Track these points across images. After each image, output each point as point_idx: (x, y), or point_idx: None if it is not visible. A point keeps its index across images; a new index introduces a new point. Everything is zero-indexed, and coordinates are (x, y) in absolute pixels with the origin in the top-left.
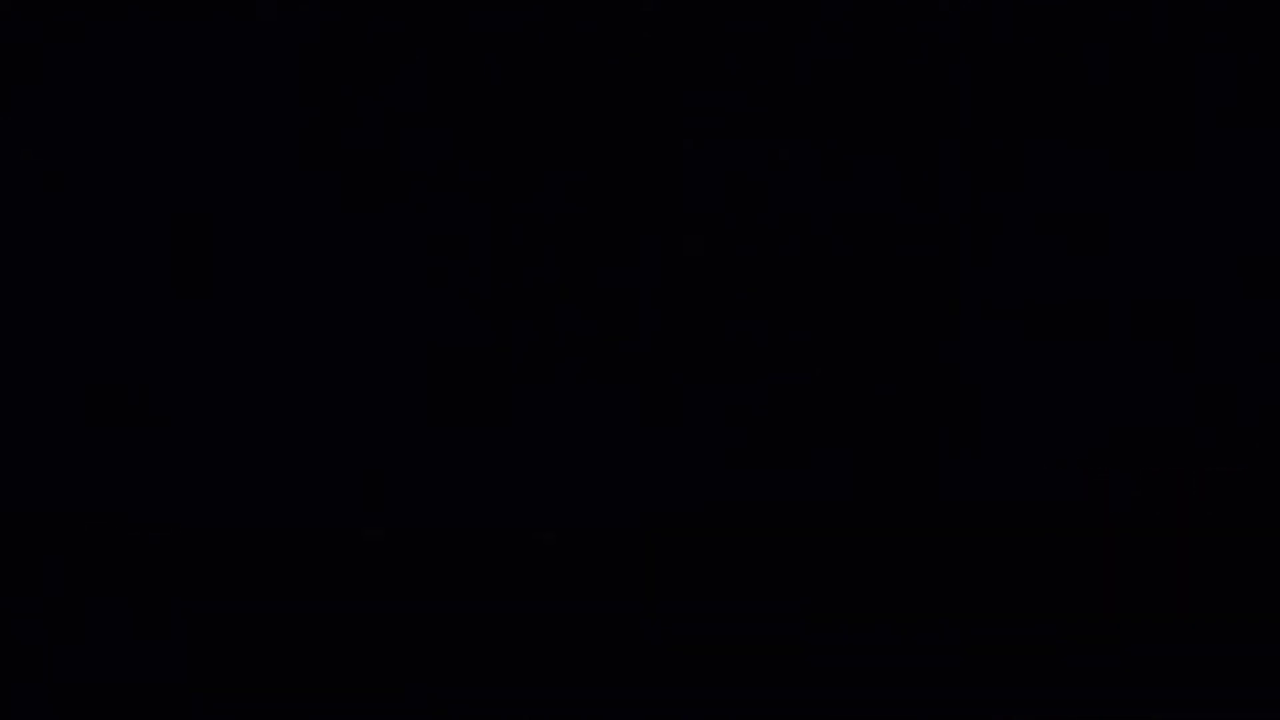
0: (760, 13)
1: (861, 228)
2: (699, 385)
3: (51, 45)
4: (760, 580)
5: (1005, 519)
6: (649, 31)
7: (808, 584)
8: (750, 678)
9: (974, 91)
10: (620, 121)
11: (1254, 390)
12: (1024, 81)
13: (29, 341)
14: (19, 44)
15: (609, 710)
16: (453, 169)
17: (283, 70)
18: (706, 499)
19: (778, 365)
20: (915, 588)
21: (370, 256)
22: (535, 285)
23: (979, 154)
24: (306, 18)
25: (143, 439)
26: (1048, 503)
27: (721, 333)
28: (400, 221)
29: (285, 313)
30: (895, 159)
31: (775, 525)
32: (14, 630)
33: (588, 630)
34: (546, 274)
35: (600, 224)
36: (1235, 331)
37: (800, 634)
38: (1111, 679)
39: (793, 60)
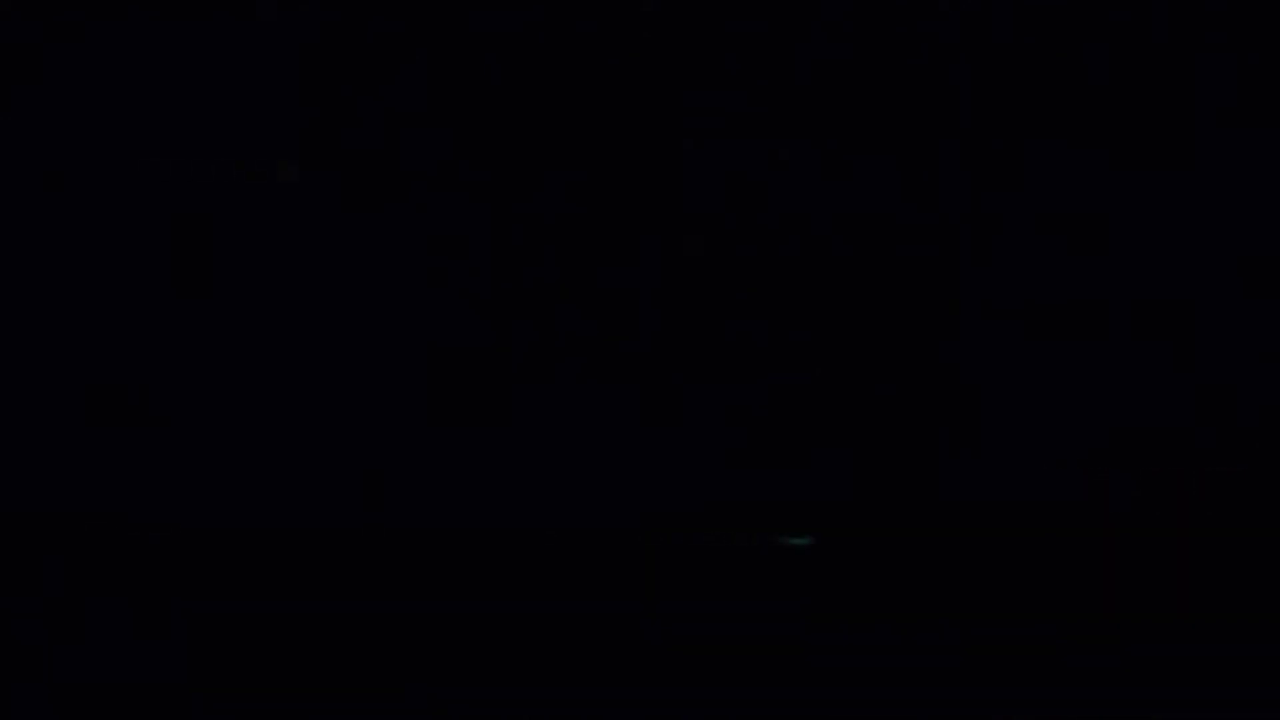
0: (760, 13)
1: (861, 228)
2: (699, 385)
3: (51, 45)
4: (760, 580)
5: (1005, 519)
6: (649, 31)
7: (808, 584)
8: (750, 678)
9: (974, 91)
10: (620, 121)
11: (1254, 390)
12: (1024, 81)
13: (29, 341)
14: (19, 44)
15: (609, 710)
16: (453, 169)
17: (283, 70)
18: (706, 499)
19: (778, 365)
20: (915, 588)
21: (370, 256)
22: (535, 285)
23: (979, 154)
24: (306, 18)
25: (143, 439)
26: (1048, 503)
27: (721, 333)
28: (400, 221)
29: (285, 313)
30: (895, 159)
31: (775, 525)
32: (14, 630)
33: (588, 630)
34: (546, 274)
35: (600, 224)
36: (1235, 331)
37: (800, 634)
38: (1111, 679)
39: (793, 60)
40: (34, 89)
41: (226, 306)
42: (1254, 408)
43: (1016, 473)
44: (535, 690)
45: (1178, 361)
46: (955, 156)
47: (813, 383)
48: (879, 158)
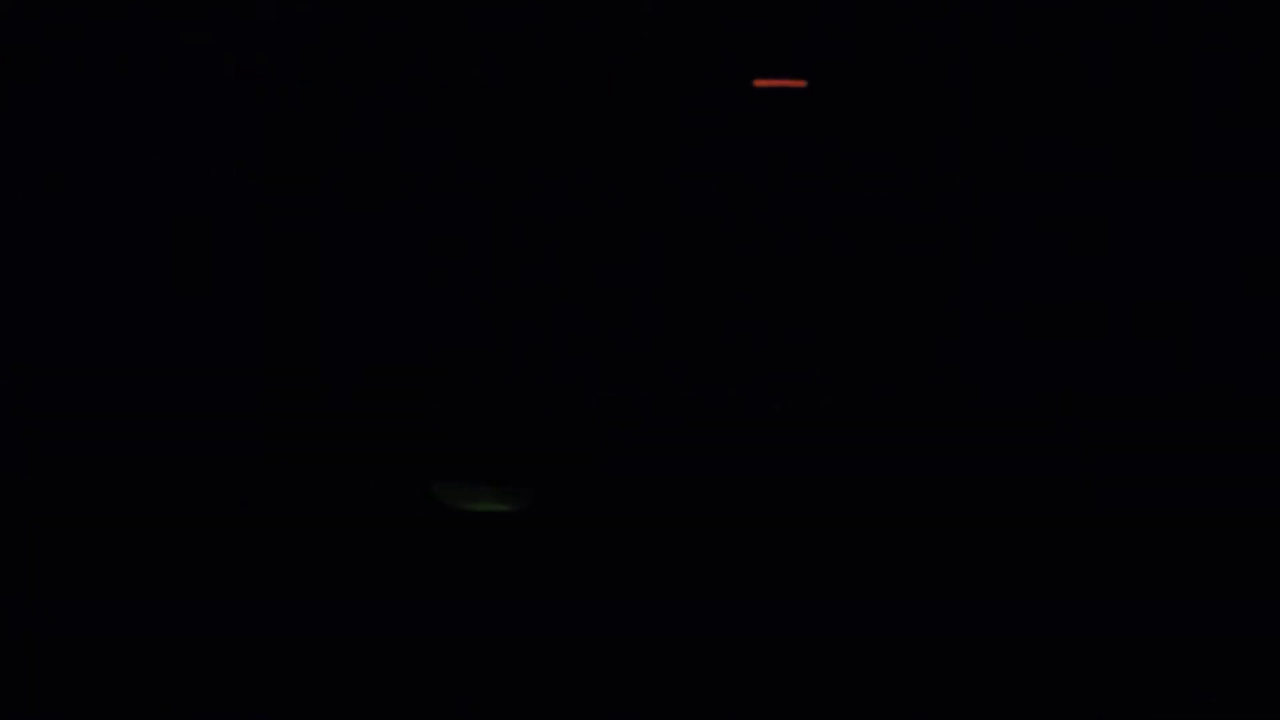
0: (760, 13)
1: (861, 228)
2: (699, 385)
3: (51, 45)
4: (760, 580)
5: (1006, 519)
6: (649, 31)
7: (807, 583)
8: (750, 678)
9: (974, 91)
10: (620, 122)
11: (1254, 390)
12: (1024, 81)
13: (29, 340)
14: (19, 44)
15: (609, 710)
16: (453, 169)
17: (283, 70)
18: (707, 497)
19: (778, 365)
20: (915, 587)
21: (370, 256)
22: (535, 285)
23: (979, 154)
24: (306, 18)
25: (142, 436)
26: (1049, 502)
27: (721, 333)
28: (400, 221)
29: (285, 313)
30: (895, 159)
31: (775, 525)
32: (13, 630)
33: (587, 630)
34: (546, 274)
35: (600, 224)
36: (1235, 331)
37: (800, 633)
38: (1111, 677)
39: (793, 60)
40: (34, 89)
41: (226, 306)
42: (1254, 407)
43: (1016, 472)
44: (535, 690)
45: (1178, 361)
46: (955, 156)
47: (813, 383)
48: (879, 158)
